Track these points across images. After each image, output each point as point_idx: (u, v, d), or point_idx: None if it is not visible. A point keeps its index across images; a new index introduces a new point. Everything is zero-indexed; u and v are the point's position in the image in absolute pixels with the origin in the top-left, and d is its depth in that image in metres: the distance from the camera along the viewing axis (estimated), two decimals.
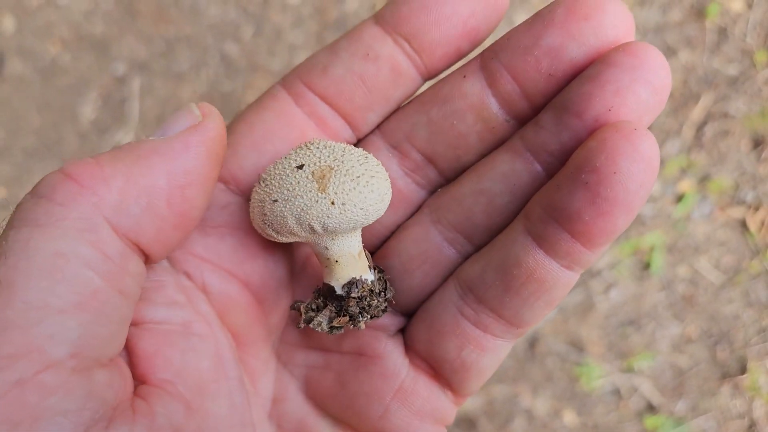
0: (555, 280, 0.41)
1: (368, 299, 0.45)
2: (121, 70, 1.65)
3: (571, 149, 0.41)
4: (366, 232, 0.48)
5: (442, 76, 0.47)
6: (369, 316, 0.45)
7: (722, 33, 1.60)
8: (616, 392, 1.55)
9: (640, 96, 0.39)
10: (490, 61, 0.43)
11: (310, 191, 0.42)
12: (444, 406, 0.47)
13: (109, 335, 0.37)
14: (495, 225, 0.45)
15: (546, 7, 0.41)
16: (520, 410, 1.55)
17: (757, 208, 1.57)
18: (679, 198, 1.57)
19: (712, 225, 1.58)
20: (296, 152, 0.43)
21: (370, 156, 0.44)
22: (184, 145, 0.39)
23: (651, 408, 1.54)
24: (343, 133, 0.46)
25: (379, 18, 0.44)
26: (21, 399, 0.32)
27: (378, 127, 0.47)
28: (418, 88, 0.45)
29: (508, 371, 1.55)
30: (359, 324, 0.45)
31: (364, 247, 0.46)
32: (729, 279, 1.56)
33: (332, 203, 0.41)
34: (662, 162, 1.58)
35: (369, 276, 0.45)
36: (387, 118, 0.47)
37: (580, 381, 1.55)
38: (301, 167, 0.42)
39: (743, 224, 1.57)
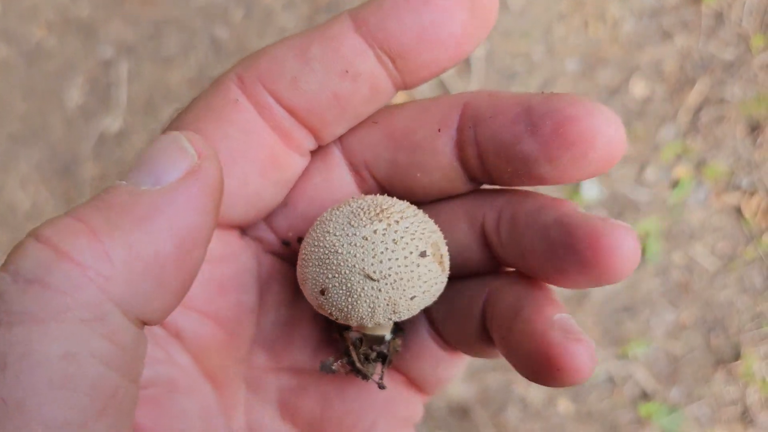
0: None
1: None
2: (108, 53, 1.61)
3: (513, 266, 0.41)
4: None
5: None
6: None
7: (718, 17, 1.58)
8: (611, 379, 1.54)
9: (579, 284, 0.37)
10: (466, 127, 0.39)
11: (439, 275, 0.39)
12: (418, 408, 0.49)
13: (131, 426, 0.32)
14: (463, 270, 0.44)
15: (539, 104, 0.36)
16: (514, 398, 1.54)
17: (752, 194, 1.56)
18: (675, 183, 1.56)
19: (707, 211, 1.57)
20: (380, 223, 0.38)
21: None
22: (187, 198, 0.32)
23: (645, 395, 1.54)
24: (305, 143, 0.40)
25: (360, 24, 0.37)
26: None
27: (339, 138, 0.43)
28: (389, 100, 0.42)
29: (502, 359, 1.55)
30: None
31: None
32: (724, 265, 1.56)
33: (446, 276, 0.40)
34: (657, 147, 1.57)
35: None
36: (351, 129, 0.43)
37: None
38: (424, 254, 0.38)
39: (738, 210, 1.56)
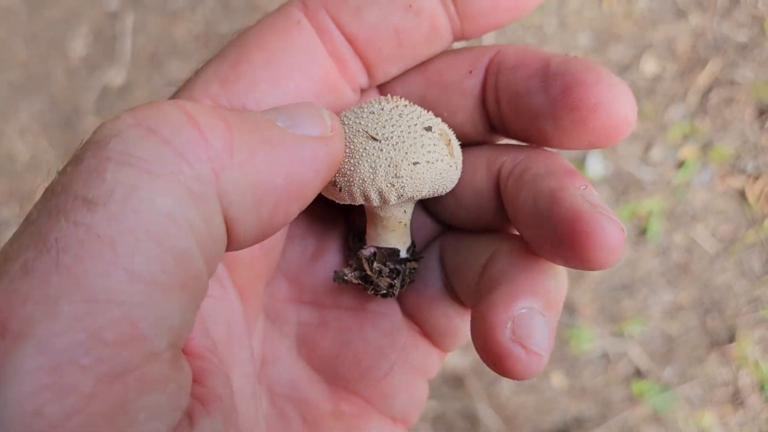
0: None
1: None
2: (113, 4, 1.58)
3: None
4: None
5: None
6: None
7: None
8: (605, 356, 1.55)
9: (556, 262, 0.36)
10: (492, 72, 0.41)
11: (445, 156, 0.40)
12: (435, 362, 0.48)
13: (193, 322, 0.31)
14: (479, 219, 0.44)
15: (558, 65, 0.37)
16: None
17: (756, 178, 1.56)
18: (680, 164, 1.56)
19: (711, 193, 1.56)
20: (388, 104, 0.41)
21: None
22: (312, 155, 0.33)
23: (639, 373, 1.54)
24: (359, 78, 0.41)
25: None
26: (119, 394, 0.26)
27: None
28: (443, 50, 0.43)
29: None
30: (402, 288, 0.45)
31: None
32: (724, 248, 1.56)
33: (456, 168, 0.41)
34: (665, 127, 1.56)
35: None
36: None
37: (570, 343, 1.55)
38: (429, 129, 0.40)
39: (742, 194, 1.56)
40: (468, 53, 0.42)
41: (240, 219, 0.31)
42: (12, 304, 0.25)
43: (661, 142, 1.55)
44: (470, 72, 0.41)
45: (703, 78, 1.56)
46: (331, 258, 0.46)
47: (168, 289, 0.27)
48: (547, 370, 1.55)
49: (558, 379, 1.54)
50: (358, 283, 0.43)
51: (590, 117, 0.35)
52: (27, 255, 0.26)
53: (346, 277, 0.43)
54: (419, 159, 0.39)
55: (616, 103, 0.35)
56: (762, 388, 1.54)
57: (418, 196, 0.40)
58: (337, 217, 0.48)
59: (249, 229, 0.32)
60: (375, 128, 0.39)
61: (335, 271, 0.43)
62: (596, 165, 1.56)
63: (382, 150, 0.39)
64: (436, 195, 0.42)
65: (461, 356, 1.55)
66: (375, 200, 0.40)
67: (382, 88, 0.44)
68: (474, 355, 1.54)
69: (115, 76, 1.57)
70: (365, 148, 0.39)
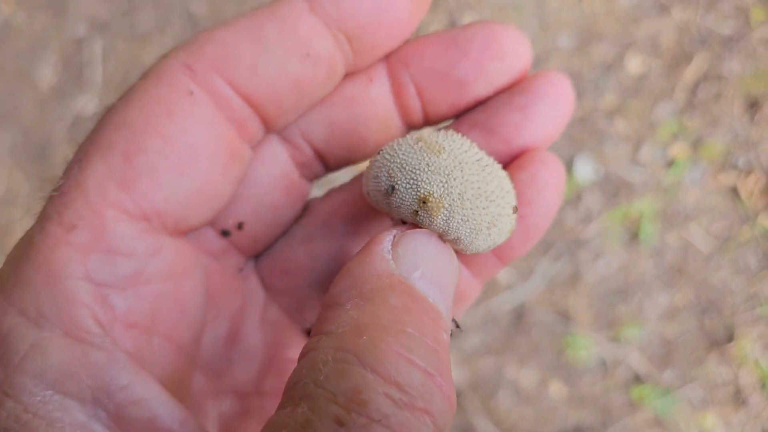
0: (473, 293, 0.45)
1: None
2: (80, 31, 1.54)
3: None
4: (261, 228, 0.45)
5: None
6: None
7: None
8: (603, 363, 1.53)
9: (559, 127, 0.42)
10: (399, 71, 0.41)
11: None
12: None
13: None
14: None
15: (462, 32, 0.41)
16: (505, 382, 1.52)
17: (748, 174, 1.52)
18: (671, 163, 1.52)
19: (703, 191, 1.53)
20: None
21: None
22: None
23: (638, 378, 1.52)
24: (258, 133, 0.39)
25: (314, 4, 0.36)
26: None
27: None
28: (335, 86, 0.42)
29: (494, 343, 1.52)
30: None
31: None
32: (718, 246, 1.53)
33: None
34: (653, 126, 1.52)
35: None
36: None
37: (566, 352, 1.53)
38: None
39: (734, 190, 1.53)
40: (359, 73, 0.42)
41: None
42: None
43: (650, 141, 1.52)
44: (370, 81, 0.41)
45: (689, 73, 1.52)
46: (248, 339, 0.43)
47: None
48: (545, 380, 1.52)
49: (556, 389, 1.52)
50: None
51: (515, 60, 0.41)
52: None
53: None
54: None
55: (521, 41, 0.41)
56: (763, 386, 1.52)
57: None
58: (244, 289, 0.44)
59: None
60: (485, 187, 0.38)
61: None
62: (585, 169, 1.53)
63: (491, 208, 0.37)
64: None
65: (457, 371, 1.52)
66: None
67: (282, 132, 0.43)
68: (469, 370, 1.52)
69: (87, 104, 1.53)
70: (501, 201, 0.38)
